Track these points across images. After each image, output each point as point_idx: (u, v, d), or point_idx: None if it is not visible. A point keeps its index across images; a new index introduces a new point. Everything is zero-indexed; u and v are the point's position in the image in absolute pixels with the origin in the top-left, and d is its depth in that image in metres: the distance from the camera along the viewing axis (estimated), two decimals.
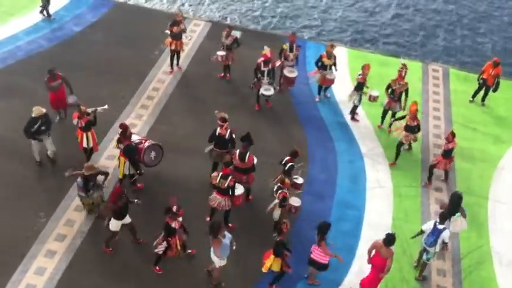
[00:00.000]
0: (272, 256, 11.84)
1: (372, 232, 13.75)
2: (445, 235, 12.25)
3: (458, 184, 15.32)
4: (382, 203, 14.81)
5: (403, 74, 15.99)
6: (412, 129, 15.23)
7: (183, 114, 16.73)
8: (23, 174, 13.90)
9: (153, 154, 14.12)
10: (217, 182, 12.84)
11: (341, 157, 15.98)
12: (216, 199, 13.10)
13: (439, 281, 13.18)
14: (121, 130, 13.74)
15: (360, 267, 13.03)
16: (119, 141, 13.87)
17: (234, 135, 14.04)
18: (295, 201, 13.22)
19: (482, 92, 18.11)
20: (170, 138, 15.75)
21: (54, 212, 13.72)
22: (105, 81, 17.68)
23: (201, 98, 17.46)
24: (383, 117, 16.80)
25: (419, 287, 12.98)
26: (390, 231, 12.03)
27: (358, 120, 17.21)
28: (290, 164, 13.29)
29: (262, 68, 16.51)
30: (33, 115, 13.82)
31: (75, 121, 14.19)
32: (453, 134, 14.56)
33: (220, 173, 12.83)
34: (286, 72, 17.19)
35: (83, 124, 14.12)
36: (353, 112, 17.18)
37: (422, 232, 12.63)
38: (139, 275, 12.59)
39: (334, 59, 17.14)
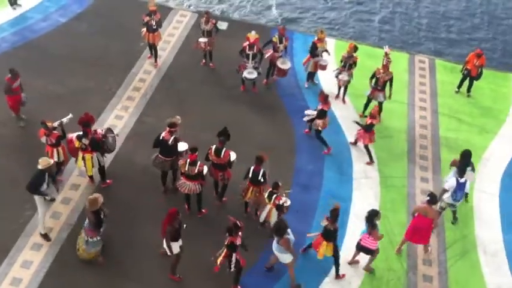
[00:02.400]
0: (324, 242, 12.15)
1: (358, 222, 13.81)
2: (468, 186, 13.56)
3: (444, 174, 15.39)
4: (368, 193, 14.89)
5: (384, 62, 16.11)
6: (324, 114, 15.31)
7: (169, 106, 16.66)
8: (7, 166, 13.79)
9: (111, 138, 13.81)
10: (186, 169, 12.85)
11: None
12: (186, 185, 13.11)
13: (425, 270, 13.32)
14: (85, 122, 13.08)
15: (346, 258, 13.14)
16: (83, 136, 13.16)
17: (181, 144, 13.56)
18: (285, 200, 13.03)
19: (467, 83, 18.20)
20: (156, 129, 15.52)
21: None
22: (92, 73, 17.57)
23: (187, 89, 17.41)
24: (366, 105, 16.90)
25: (404, 276, 13.11)
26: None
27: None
28: (262, 170, 12.95)
29: (247, 52, 16.67)
30: (39, 167, 12.17)
31: (43, 139, 13.44)
32: (378, 111, 15.01)
33: (188, 160, 12.81)
34: (280, 63, 17.24)
35: (53, 141, 13.40)
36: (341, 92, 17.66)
37: (444, 192, 13.47)
38: (126, 268, 12.60)
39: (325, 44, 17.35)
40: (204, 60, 18.29)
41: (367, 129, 15.13)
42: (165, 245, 11.80)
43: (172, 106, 16.68)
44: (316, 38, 17.25)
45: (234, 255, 11.62)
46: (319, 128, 15.48)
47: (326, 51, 17.37)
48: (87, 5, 20.61)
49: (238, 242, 11.47)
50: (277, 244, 11.87)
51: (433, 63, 19.69)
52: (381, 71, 16.12)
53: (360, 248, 12.64)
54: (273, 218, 12.79)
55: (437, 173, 15.45)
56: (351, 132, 16.48)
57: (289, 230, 11.78)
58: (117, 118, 16.19)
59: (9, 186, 13.81)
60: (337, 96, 17.70)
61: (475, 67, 17.62)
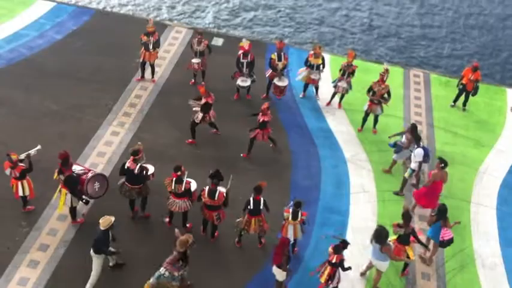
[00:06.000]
0: (406, 247, 12.55)
1: (356, 237, 13.81)
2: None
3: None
4: (366, 207, 14.87)
5: (385, 78, 16.17)
6: (208, 107, 15.55)
7: (166, 122, 16.67)
8: (3, 184, 13.70)
9: (97, 185, 13.21)
10: (172, 188, 12.83)
11: (324, 163, 16.04)
12: (175, 203, 13.07)
13: (424, 284, 13.27)
14: (61, 160, 12.70)
15: (344, 272, 13.07)
16: (60, 172, 12.82)
17: (146, 172, 13.18)
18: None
19: (463, 97, 18.28)
20: (153, 146, 15.68)
21: (36, 222, 13.58)
22: (88, 89, 17.59)
23: (183, 106, 17.30)
24: (364, 120, 16.96)
25: None
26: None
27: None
28: (262, 199, 12.77)
29: (242, 60, 16.90)
30: (102, 228, 11.64)
31: (7, 171, 13.02)
32: (268, 108, 15.12)
33: (173, 179, 12.78)
34: (276, 81, 17.31)
35: (17, 174, 13.01)
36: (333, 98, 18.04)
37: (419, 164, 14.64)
38: (123, 282, 12.49)
39: (323, 60, 17.43)
40: (193, 80, 18.22)
41: (261, 127, 15.26)
42: (274, 272, 12.03)
43: (169, 122, 16.68)
44: (312, 52, 17.38)
45: (338, 271, 11.90)
46: (196, 121, 15.60)
47: (318, 66, 17.38)
48: (83, 22, 20.68)
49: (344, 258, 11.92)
50: (379, 252, 12.20)
51: (428, 78, 19.81)
52: (379, 84, 16.20)
53: (445, 243, 13.09)
54: (299, 234, 12.91)
55: None
56: (347, 147, 16.54)
57: None
58: (113, 134, 16.17)
59: (5, 204, 13.71)
60: (329, 103, 17.90)
61: (470, 81, 17.69)
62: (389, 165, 15.82)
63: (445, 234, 13.00)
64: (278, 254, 11.81)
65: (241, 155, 15.82)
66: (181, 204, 13.06)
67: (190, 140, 16.06)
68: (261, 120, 15.16)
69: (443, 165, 13.98)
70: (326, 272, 11.98)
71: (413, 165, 14.73)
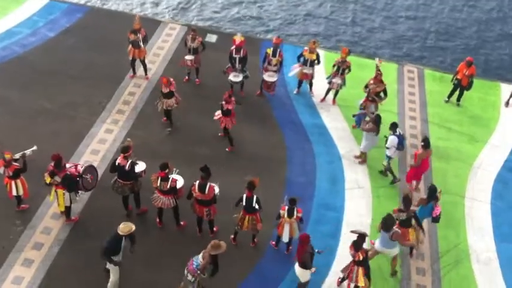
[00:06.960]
0: (409, 230, 12.80)
1: (351, 233, 13.81)
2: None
3: (435, 183, 15.38)
4: (361, 203, 14.89)
5: (375, 75, 16.23)
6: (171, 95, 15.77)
7: (160, 119, 16.62)
8: None
9: (89, 176, 13.16)
10: (158, 185, 12.77)
11: (319, 159, 16.04)
12: (159, 199, 13.00)
13: (419, 279, 13.31)
14: (54, 162, 12.60)
15: (340, 268, 13.07)
16: (52, 174, 12.68)
17: (137, 168, 13.17)
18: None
19: (457, 93, 18.29)
20: (147, 143, 15.66)
21: (30, 220, 13.54)
22: (81, 87, 17.52)
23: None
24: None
25: (398, 286, 13.09)
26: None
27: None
28: (255, 197, 12.60)
29: (234, 55, 16.82)
30: (120, 232, 11.29)
31: (0, 170, 13.02)
32: (230, 96, 15.22)
33: (159, 177, 12.70)
34: (266, 76, 17.27)
35: (10, 173, 12.98)
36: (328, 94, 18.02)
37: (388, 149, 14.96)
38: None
39: (317, 56, 17.33)
40: (187, 77, 18.17)
41: (224, 114, 15.29)
42: (297, 273, 11.89)
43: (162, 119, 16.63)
44: (306, 48, 17.35)
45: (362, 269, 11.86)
46: (165, 107, 15.90)
47: (312, 62, 17.30)
48: (76, 19, 20.57)
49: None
50: (388, 240, 12.32)
51: (422, 73, 19.81)
52: (371, 82, 16.20)
53: (438, 218, 13.36)
54: (296, 233, 12.71)
55: (428, 181, 15.45)
56: (341, 143, 16.54)
57: None
58: (107, 132, 16.11)
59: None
60: (323, 99, 17.88)
61: (466, 77, 17.69)
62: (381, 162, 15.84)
63: (437, 210, 13.24)
64: (300, 252, 11.68)
65: (226, 149, 15.81)
66: (165, 201, 12.99)
67: (169, 129, 16.26)
68: (225, 108, 15.14)
69: (423, 143, 14.48)
70: (360, 273, 11.81)
71: (389, 152, 14.92)
